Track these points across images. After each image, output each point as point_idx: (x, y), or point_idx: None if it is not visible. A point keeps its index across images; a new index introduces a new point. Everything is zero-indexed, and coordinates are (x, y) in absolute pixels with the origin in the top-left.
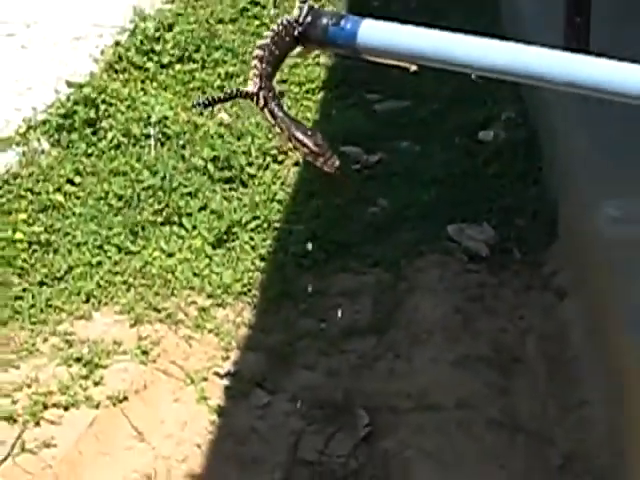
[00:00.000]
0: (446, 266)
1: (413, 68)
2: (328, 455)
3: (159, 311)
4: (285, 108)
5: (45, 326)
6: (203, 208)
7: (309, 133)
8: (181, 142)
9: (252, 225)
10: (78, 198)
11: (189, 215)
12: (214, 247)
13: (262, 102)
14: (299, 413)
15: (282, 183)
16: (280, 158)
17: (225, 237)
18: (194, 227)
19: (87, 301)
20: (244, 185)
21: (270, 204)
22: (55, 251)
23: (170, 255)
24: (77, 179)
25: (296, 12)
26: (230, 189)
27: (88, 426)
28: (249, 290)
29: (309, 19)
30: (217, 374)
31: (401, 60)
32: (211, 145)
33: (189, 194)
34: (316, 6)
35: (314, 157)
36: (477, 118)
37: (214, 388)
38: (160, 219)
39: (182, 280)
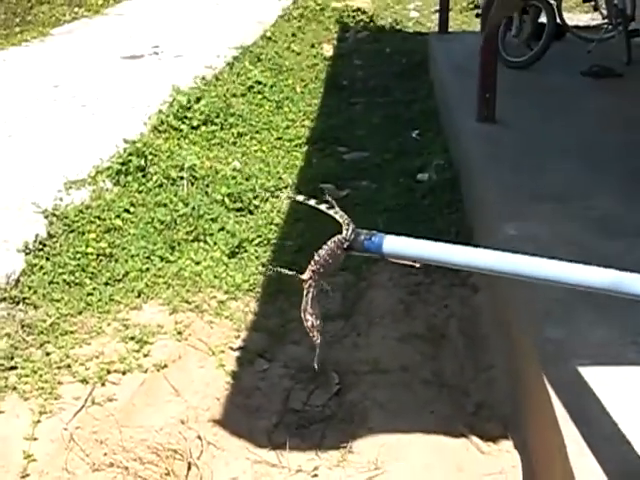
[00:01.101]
0: (394, 270)
1: (417, 265)
2: (310, 405)
3: (190, 303)
4: (315, 297)
5: (108, 315)
6: (221, 229)
7: (314, 317)
8: (205, 182)
9: (256, 241)
10: (132, 223)
11: (211, 235)
12: (229, 257)
13: (306, 287)
14: (289, 375)
15: (278, 211)
16: (276, 193)
17: (237, 250)
18: (215, 243)
19: (139, 296)
20: (251, 213)
21: (269, 226)
22: (116, 261)
23: (198, 263)
24: (131, 209)
25: (344, 232)
26: (241, 216)
27: (139, 386)
28: (254, 288)
29: (352, 237)
30: (231, 348)
31: (413, 261)
32: (227, 184)
33: (211, 219)
34: (355, 227)
35: (307, 328)
36: (416, 164)
37: (229, 358)
38: (190, 237)
39: (206, 281)
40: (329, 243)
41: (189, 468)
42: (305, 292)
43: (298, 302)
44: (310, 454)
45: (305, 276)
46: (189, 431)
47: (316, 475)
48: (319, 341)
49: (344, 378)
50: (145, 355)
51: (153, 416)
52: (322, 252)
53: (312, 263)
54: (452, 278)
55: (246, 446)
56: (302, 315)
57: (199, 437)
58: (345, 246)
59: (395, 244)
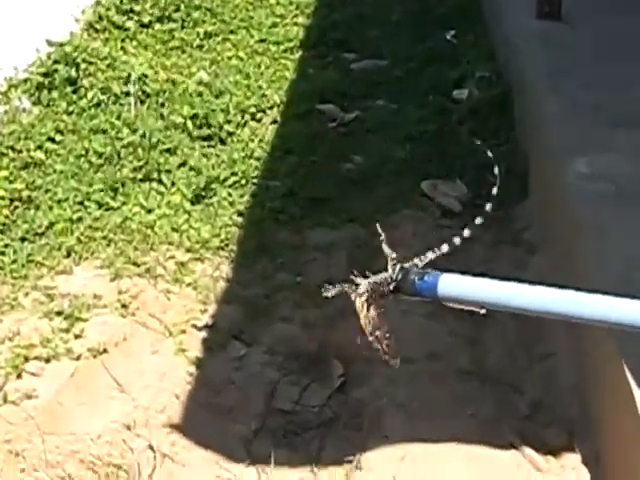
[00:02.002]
0: (420, 222)
1: (483, 311)
2: (303, 405)
3: (138, 265)
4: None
5: (26, 281)
6: (182, 165)
7: (386, 334)
8: (160, 100)
9: (230, 181)
10: (59, 155)
11: (168, 172)
12: (193, 203)
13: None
14: (275, 364)
15: (260, 140)
16: (258, 116)
17: (203, 193)
18: (173, 184)
19: (68, 256)
20: (222, 142)
21: (248, 161)
22: (36, 207)
23: (149, 211)
24: (58, 137)
25: (390, 271)
26: (208, 146)
27: (69, 378)
28: (227, 245)
29: (400, 276)
30: (195, 327)
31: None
32: (190, 103)
33: (168, 151)
34: (406, 264)
35: (381, 352)
36: (451, 77)
37: (192, 340)
38: (139, 176)
39: (161, 235)
40: (374, 278)
41: None
42: (360, 308)
43: (286, 263)
44: (303, 471)
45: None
46: (137, 439)
47: None
48: (397, 364)
49: (350, 368)
50: (77, 336)
51: (88, 420)
52: (363, 289)
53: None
54: (499, 233)
55: (215, 460)
56: (368, 337)
57: (151, 447)
58: (391, 287)
59: (455, 284)
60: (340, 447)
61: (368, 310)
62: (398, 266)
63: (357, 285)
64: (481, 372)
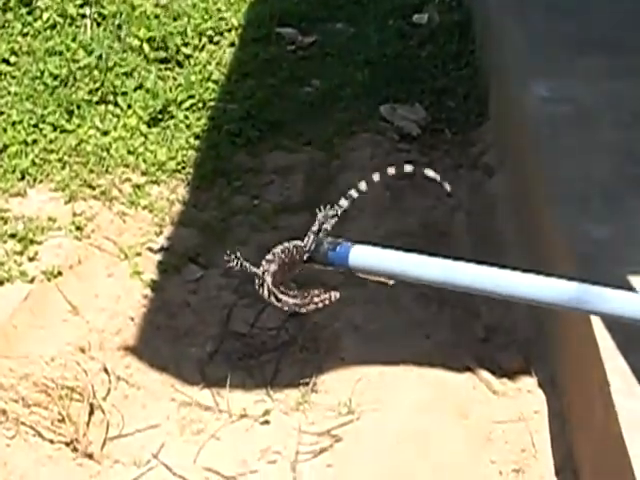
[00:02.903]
0: (378, 145)
1: (391, 282)
2: (259, 328)
3: (93, 188)
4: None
5: None
6: (138, 87)
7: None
8: (117, 22)
9: (187, 104)
10: (13, 77)
11: (124, 94)
12: (149, 125)
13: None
14: (231, 287)
15: (217, 63)
16: (216, 39)
17: (160, 116)
18: (129, 106)
19: (22, 178)
20: (180, 65)
21: (205, 84)
22: None
23: (105, 133)
24: (12, 58)
25: (305, 240)
26: (166, 69)
27: (22, 300)
28: (183, 168)
29: (313, 246)
30: (150, 249)
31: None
32: (147, 26)
33: (124, 74)
34: (321, 234)
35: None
36: (412, 1)
37: (147, 263)
38: (95, 98)
39: (117, 158)
40: (285, 245)
41: (91, 412)
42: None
43: (243, 186)
44: (259, 394)
45: (260, 271)
46: (91, 362)
47: (266, 422)
48: (335, 296)
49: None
50: (31, 259)
51: (42, 342)
52: (273, 256)
53: (264, 264)
54: (458, 157)
55: (171, 383)
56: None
57: (105, 370)
58: (305, 257)
59: (364, 256)
60: (296, 370)
61: (278, 296)
62: (312, 236)
63: (268, 262)
64: (438, 295)
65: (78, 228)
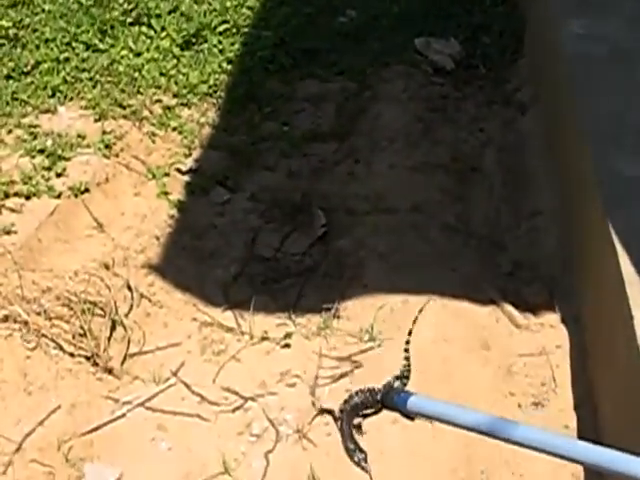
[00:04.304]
0: (411, 77)
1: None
2: (284, 252)
3: (124, 108)
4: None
5: (10, 118)
6: (173, 10)
7: (356, 451)
8: None
9: (221, 29)
10: None
11: (158, 16)
12: (182, 48)
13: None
14: (258, 211)
15: None
16: None
17: (193, 39)
18: (163, 28)
19: (53, 95)
20: None
21: (240, 9)
22: (23, 46)
23: (138, 54)
24: None
25: (381, 387)
26: None
27: (48, 215)
28: (215, 91)
29: (384, 393)
30: (179, 170)
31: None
32: None
33: None
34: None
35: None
36: None
37: (175, 184)
38: (129, 19)
39: (148, 79)
40: (369, 389)
41: (113, 328)
42: (339, 427)
43: (274, 112)
44: (281, 317)
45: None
46: (115, 279)
47: (287, 345)
48: (368, 468)
49: (333, 218)
50: (58, 175)
51: (66, 257)
52: (355, 400)
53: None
54: (491, 93)
55: (193, 302)
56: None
57: (129, 287)
58: (378, 399)
59: (418, 404)
60: (319, 295)
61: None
62: (386, 384)
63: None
64: (465, 228)
65: (107, 146)
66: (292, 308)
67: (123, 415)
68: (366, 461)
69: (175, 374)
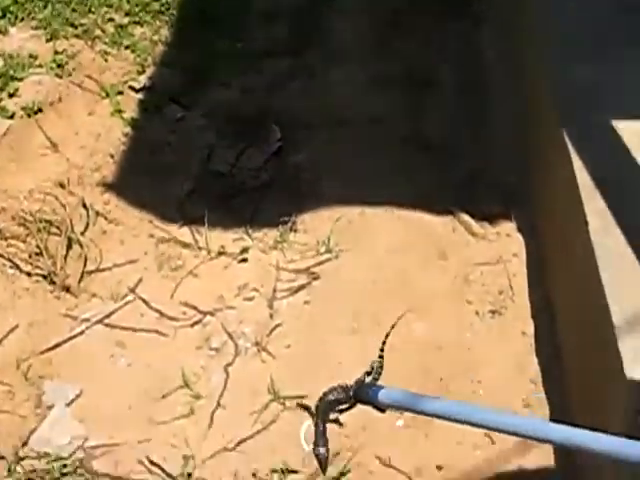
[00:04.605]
0: None
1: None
2: (239, 168)
3: (76, 27)
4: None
5: None
6: None
7: (323, 445)
8: None
9: None
10: None
11: None
12: None
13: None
14: (212, 128)
15: None
16: None
17: None
18: None
19: (3, 16)
20: None
21: None
22: None
23: None
24: None
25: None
26: None
27: (2, 136)
28: (167, 9)
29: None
30: (132, 88)
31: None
32: None
33: None
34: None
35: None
36: None
37: (129, 102)
38: None
39: None
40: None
41: (69, 246)
42: (314, 423)
43: (227, 30)
44: (237, 232)
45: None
46: (70, 197)
47: (244, 260)
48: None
49: (289, 133)
50: (11, 95)
51: (20, 177)
52: (331, 397)
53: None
54: (446, 5)
55: (150, 219)
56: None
57: (84, 205)
58: (351, 394)
59: (388, 397)
60: (275, 209)
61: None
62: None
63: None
64: (421, 140)
65: (59, 66)
66: (249, 223)
67: (82, 332)
68: (326, 458)
69: (133, 291)
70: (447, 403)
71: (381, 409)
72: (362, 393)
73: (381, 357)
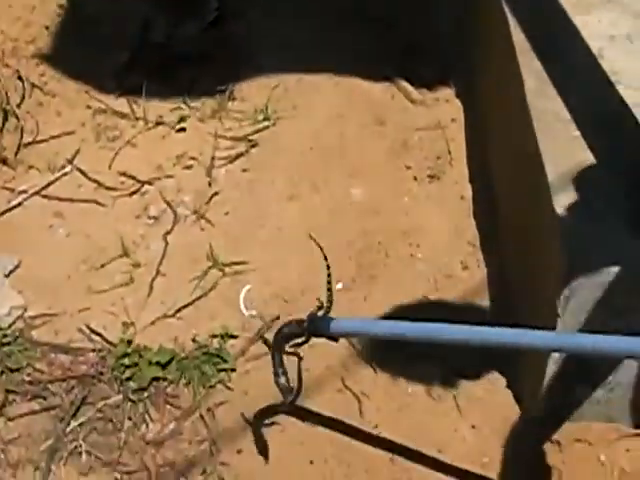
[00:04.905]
0: None
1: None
2: (176, 38)
3: None
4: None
5: None
6: None
7: (282, 375)
8: None
9: None
10: None
11: None
12: None
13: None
14: None
15: None
16: None
17: None
18: None
19: None
20: None
21: None
22: None
23: None
24: None
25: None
26: None
27: None
28: None
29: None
30: None
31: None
32: None
33: None
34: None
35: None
36: None
37: None
38: None
39: None
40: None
41: (5, 119)
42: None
43: None
44: (175, 102)
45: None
46: (4, 70)
47: (182, 129)
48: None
49: (227, 1)
50: None
51: None
52: (284, 332)
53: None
54: None
55: (86, 90)
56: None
57: (19, 78)
58: (304, 327)
59: (339, 326)
60: (213, 79)
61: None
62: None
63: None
64: (361, 11)
65: None
66: (186, 92)
67: (19, 204)
68: (287, 387)
69: (70, 162)
70: (397, 324)
71: (335, 339)
72: (315, 326)
73: (329, 290)
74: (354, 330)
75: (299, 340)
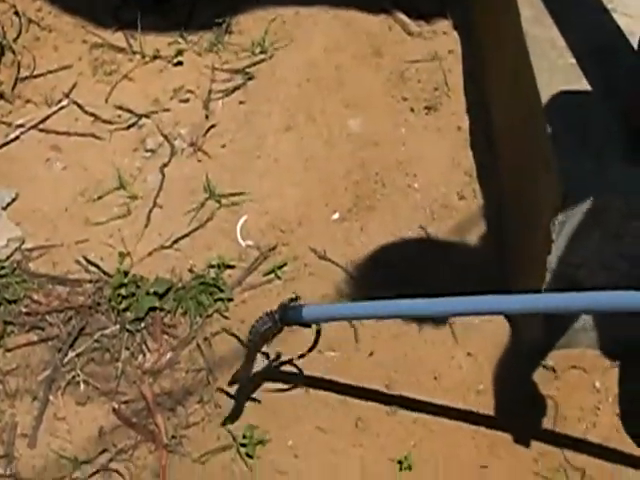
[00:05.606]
0: None
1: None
2: None
3: None
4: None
5: None
6: None
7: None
8: None
9: None
10: None
11: None
12: None
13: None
14: None
15: None
16: None
17: None
18: None
19: None
20: None
21: None
22: None
23: None
24: None
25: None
26: None
27: None
28: None
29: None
30: None
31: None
32: None
33: None
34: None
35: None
36: None
37: None
38: None
39: None
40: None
41: (2, 53)
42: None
43: None
44: (172, 36)
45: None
46: (1, 5)
47: (180, 63)
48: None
49: None
50: None
51: None
52: (260, 327)
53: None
54: None
55: (83, 25)
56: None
57: (16, 13)
58: (277, 318)
59: (311, 313)
60: (210, 12)
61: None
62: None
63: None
64: None
65: None
66: (183, 26)
67: (17, 138)
68: (244, 386)
69: (67, 95)
70: (366, 305)
71: (308, 325)
72: (286, 316)
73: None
74: (328, 315)
75: (272, 333)
